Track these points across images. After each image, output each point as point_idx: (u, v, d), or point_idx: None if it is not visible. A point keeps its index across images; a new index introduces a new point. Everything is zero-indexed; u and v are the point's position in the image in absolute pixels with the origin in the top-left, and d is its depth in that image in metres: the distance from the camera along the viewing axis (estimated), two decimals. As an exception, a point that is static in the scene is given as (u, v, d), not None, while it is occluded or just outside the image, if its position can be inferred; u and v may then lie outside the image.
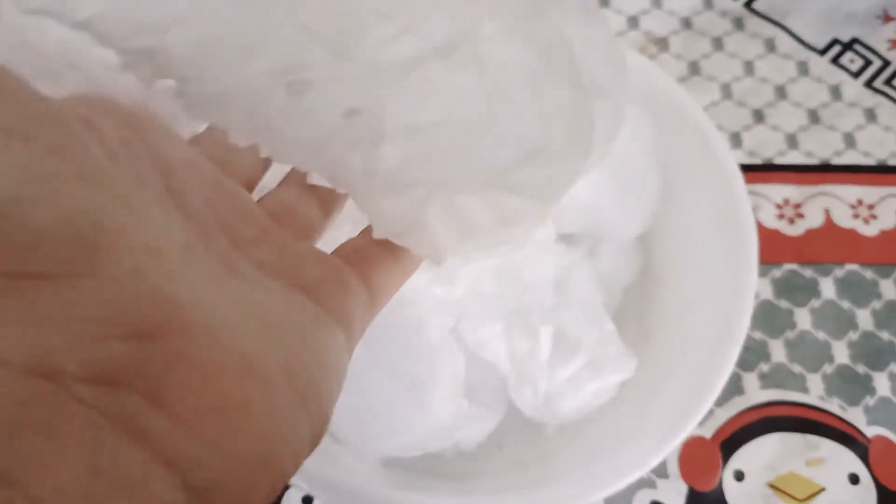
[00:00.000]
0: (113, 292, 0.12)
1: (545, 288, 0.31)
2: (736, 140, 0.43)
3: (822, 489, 0.35)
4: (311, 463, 0.30)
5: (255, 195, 0.20)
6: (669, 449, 0.30)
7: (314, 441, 0.15)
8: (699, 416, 0.30)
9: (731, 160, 0.34)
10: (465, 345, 0.30)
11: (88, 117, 0.14)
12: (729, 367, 0.31)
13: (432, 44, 0.16)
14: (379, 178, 0.17)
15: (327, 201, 0.21)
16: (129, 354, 0.12)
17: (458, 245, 0.18)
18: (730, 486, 0.35)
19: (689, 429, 0.31)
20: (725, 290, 0.33)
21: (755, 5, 0.47)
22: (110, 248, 0.12)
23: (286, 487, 0.35)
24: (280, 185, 0.21)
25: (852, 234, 0.41)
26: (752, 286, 0.32)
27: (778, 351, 0.38)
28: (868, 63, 0.45)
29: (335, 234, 0.21)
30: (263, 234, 0.18)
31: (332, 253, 0.19)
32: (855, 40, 0.46)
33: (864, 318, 0.39)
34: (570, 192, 0.18)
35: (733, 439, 0.36)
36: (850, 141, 0.43)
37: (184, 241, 0.15)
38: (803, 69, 0.45)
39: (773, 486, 0.35)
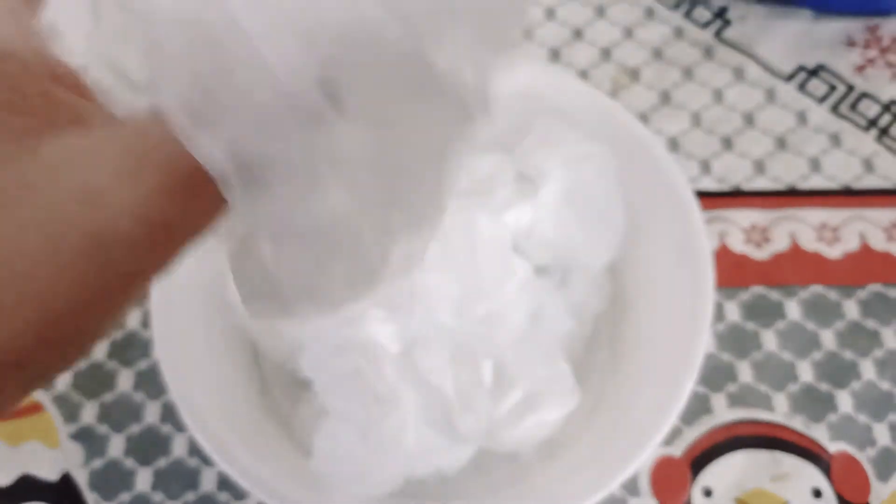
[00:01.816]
0: None
1: (503, 321, 0.33)
2: (705, 167, 0.45)
3: (787, 503, 0.37)
4: (296, 492, 0.32)
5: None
6: (634, 467, 0.32)
7: None
8: (659, 437, 0.32)
9: (690, 194, 0.36)
10: (416, 372, 0.32)
11: None
12: (686, 390, 0.33)
13: None
14: None
15: None
16: None
17: None
18: (698, 503, 0.37)
19: (649, 449, 0.33)
20: (685, 318, 0.35)
21: (724, 35, 0.49)
22: None
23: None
24: None
25: (817, 257, 0.42)
26: (709, 315, 0.34)
27: (745, 371, 0.40)
28: (833, 88, 0.47)
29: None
30: None
31: None
32: (821, 66, 0.48)
33: (828, 338, 0.40)
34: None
35: (702, 457, 0.38)
36: (815, 165, 0.45)
37: None
38: (770, 96, 0.47)
39: (739, 502, 0.37)
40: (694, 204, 0.36)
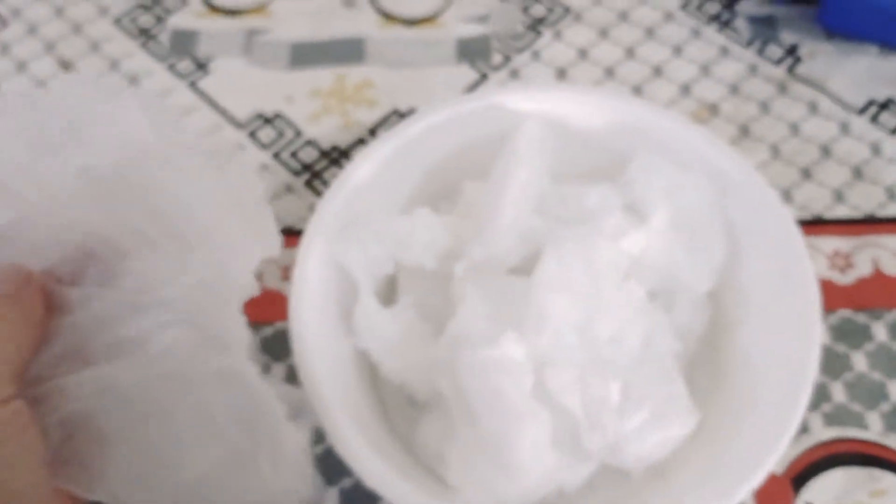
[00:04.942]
0: None
1: (623, 342, 0.35)
2: (787, 196, 0.47)
3: (887, 518, 0.39)
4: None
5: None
6: (748, 489, 0.33)
7: None
8: (774, 459, 0.33)
9: (790, 219, 0.38)
10: (545, 391, 0.34)
11: None
12: (799, 414, 0.34)
13: None
14: None
15: None
16: None
17: None
18: (802, 518, 0.39)
19: (764, 470, 0.33)
20: (793, 341, 0.36)
21: (796, 70, 0.51)
22: None
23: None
24: None
25: (900, 281, 0.44)
26: (818, 340, 0.35)
27: (838, 392, 0.41)
28: (904, 121, 0.49)
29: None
30: None
31: None
32: (890, 100, 0.50)
33: (916, 358, 0.42)
34: None
35: (802, 475, 0.40)
36: (891, 194, 0.47)
37: None
38: (844, 129, 0.49)
39: (841, 517, 0.39)
40: (795, 228, 0.38)
